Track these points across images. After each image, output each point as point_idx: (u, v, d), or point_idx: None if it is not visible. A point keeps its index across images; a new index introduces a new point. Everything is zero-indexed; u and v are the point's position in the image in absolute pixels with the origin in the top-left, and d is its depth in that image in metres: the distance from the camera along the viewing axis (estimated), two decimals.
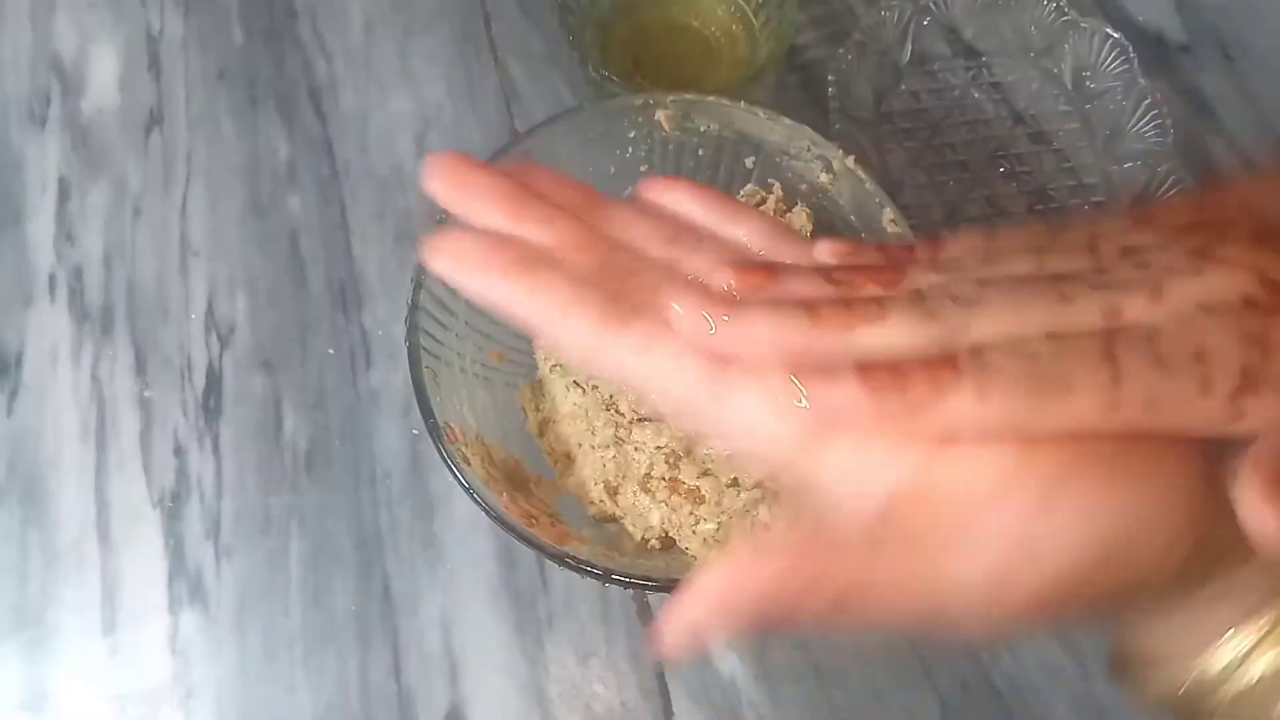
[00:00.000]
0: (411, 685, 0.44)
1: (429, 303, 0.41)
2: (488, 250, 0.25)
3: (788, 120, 0.43)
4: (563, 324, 0.24)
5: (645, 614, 0.45)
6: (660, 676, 0.44)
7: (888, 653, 0.44)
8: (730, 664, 0.44)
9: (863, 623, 0.23)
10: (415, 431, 0.49)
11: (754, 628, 0.24)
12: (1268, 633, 0.24)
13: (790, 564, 0.22)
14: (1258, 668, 0.24)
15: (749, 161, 0.46)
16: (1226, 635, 0.24)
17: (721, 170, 0.47)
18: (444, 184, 0.27)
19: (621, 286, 0.25)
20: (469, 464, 0.38)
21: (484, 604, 0.45)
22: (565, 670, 0.44)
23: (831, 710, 0.43)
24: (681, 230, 0.28)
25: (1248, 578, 0.24)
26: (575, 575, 0.36)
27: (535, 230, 0.26)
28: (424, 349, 0.40)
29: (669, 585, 0.35)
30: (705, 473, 0.40)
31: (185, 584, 0.46)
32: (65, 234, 0.54)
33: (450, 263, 0.25)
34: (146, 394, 0.50)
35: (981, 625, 0.23)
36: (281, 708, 0.43)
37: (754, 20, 0.56)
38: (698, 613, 0.23)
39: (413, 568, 0.46)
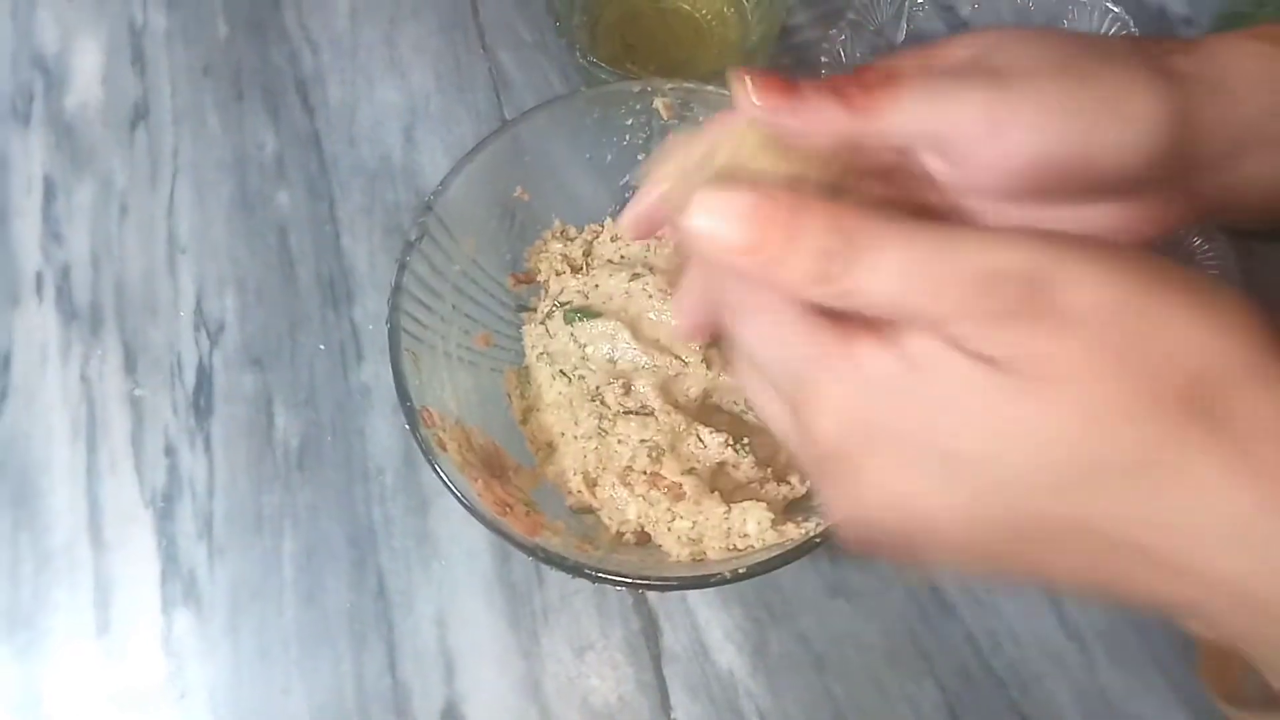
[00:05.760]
0: (407, 682, 0.43)
1: (413, 284, 0.41)
2: None
3: None
4: None
5: (642, 607, 0.45)
6: (658, 669, 0.44)
7: (888, 642, 0.43)
8: (728, 655, 0.44)
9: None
10: (408, 427, 0.49)
11: None
12: None
13: None
14: None
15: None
16: None
17: None
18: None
19: None
20: (444, 449, 0.37)
21: (479, 599, 0.45)
22: (561, 664, 0.44)
23: (831, 702, 0.43)
24: None
25: None
26: None
27: None
28: (406, 331, 0.39)
29: (638, 581, 0.35)
30: (689, 470, 0.39)
31: (178, 584, 0.45)
32: (52, 233, 0.53)
33: None
34: (136, 393, 0.50)
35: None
36: (276, 707, 0.43)
37: (745, 1, 0.55)
38: None
39: (407, 564, 0.46)
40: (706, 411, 0.42)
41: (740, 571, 0.34)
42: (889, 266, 0.21)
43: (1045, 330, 0.20)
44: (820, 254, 0.22)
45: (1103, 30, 0.54)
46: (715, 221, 0.23)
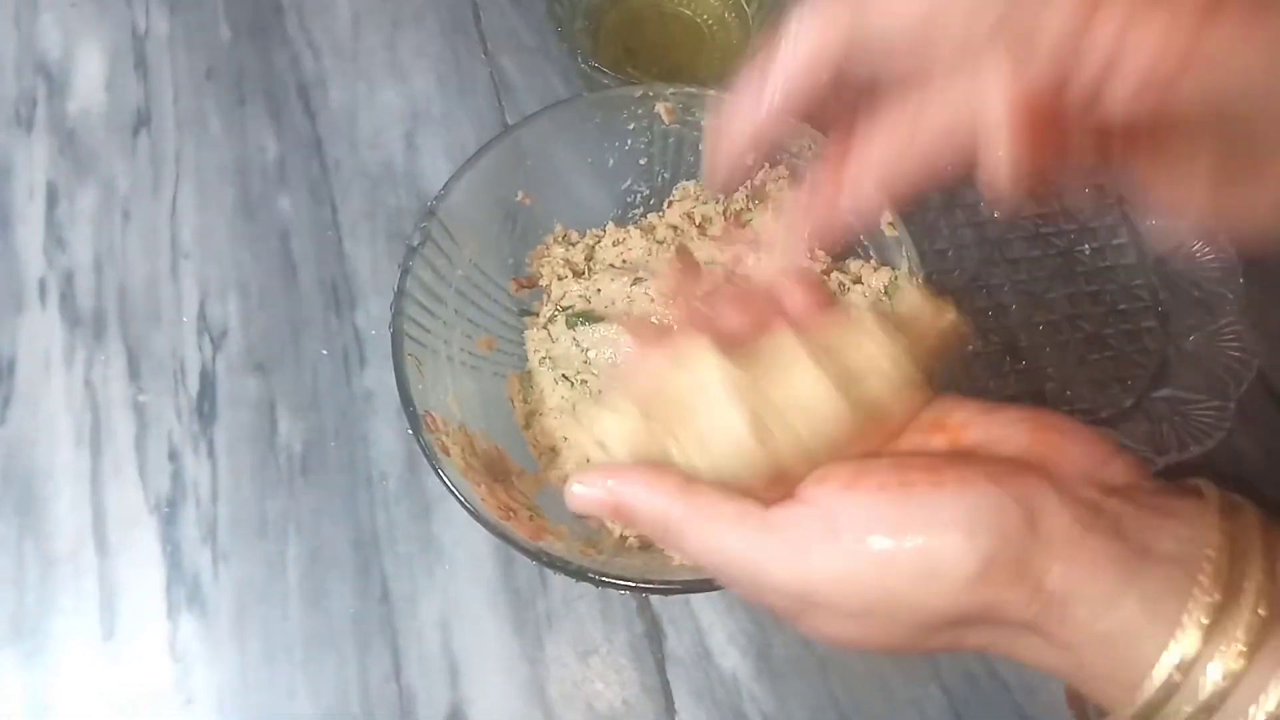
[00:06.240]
0: (412, 687, 0.44)
1: (416, 289, 0.40)
2: None
3: (789, 119, 0.42)
4: None
5: (646, 611, 0.45)
6: (662, 672, 0.44)
7: None
8: (732, 659, 0.44)
9: None
10: (411, 431, 0.49)
11: None
12: (1208, 634, 0.23)
13: None
14: (1211, 675, 0.23)
15: (749, 159, 0.46)
16: (1163, 657, 0.23)
17: None
18: None
19: None
20: (448, 454, 0.37)
21: (483, 603, 0.45)
22: (566, 669, 0.44)
23: (835, 705, 0.43)
24: None
25: (1158, 581, 0.24)
26: None
27: None
28: (409, 335, 0.39)
29: (641, 585, 0.35)
30: None
31: (183, 589, 0.45)
32: (55, 239, 0.53)
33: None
34: (140, 399, 0.50)
35: None
36: (282, 712, 0.43)
37: (746, 7, 0.55)
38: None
39: (411, 569, 0.46)
40: None
41: None
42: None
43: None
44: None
45: None
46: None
